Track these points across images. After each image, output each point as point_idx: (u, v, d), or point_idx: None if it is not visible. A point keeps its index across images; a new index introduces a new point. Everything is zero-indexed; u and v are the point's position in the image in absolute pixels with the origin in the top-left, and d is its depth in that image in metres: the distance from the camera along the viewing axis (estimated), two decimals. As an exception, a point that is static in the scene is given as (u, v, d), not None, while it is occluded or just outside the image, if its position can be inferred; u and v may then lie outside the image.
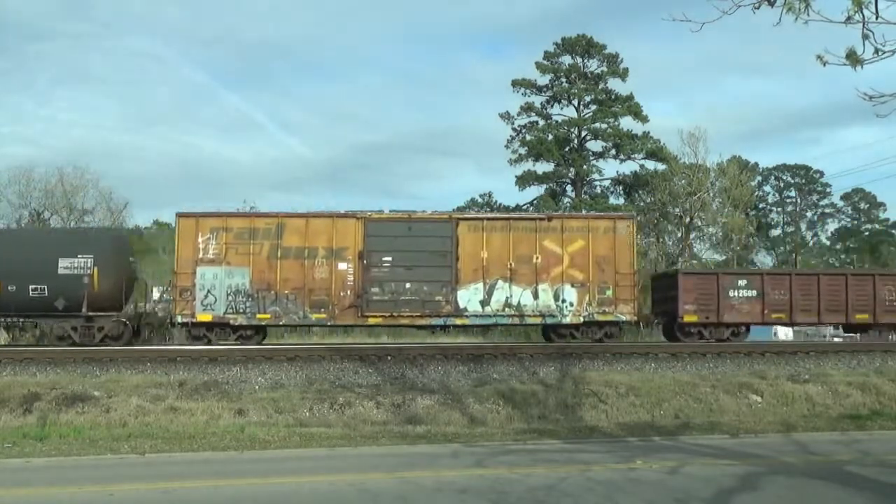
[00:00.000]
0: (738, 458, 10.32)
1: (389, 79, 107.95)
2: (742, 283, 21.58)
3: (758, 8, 5.78)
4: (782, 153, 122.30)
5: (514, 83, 48.97)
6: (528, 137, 48.63)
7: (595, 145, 49.26)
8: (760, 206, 70.01)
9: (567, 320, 20.80)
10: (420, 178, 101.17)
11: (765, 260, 68.82)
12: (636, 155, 48.09)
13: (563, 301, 20.81)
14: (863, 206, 76.99)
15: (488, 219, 21.51)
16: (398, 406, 14.88)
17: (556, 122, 49.37)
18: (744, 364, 18.05)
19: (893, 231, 73.26)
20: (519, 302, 20.74)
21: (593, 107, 48.63)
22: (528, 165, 48.65)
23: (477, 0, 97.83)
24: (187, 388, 15.47)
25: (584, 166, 48.27)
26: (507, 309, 20.75)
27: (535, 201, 49.14)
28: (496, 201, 51.23)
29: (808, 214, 77.60)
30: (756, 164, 67.05)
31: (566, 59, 48.84)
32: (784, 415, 15.05)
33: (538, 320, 21.15)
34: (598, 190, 50.09)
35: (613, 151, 48.46)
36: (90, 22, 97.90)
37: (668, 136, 71.03)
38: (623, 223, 21.51)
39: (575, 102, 49.03)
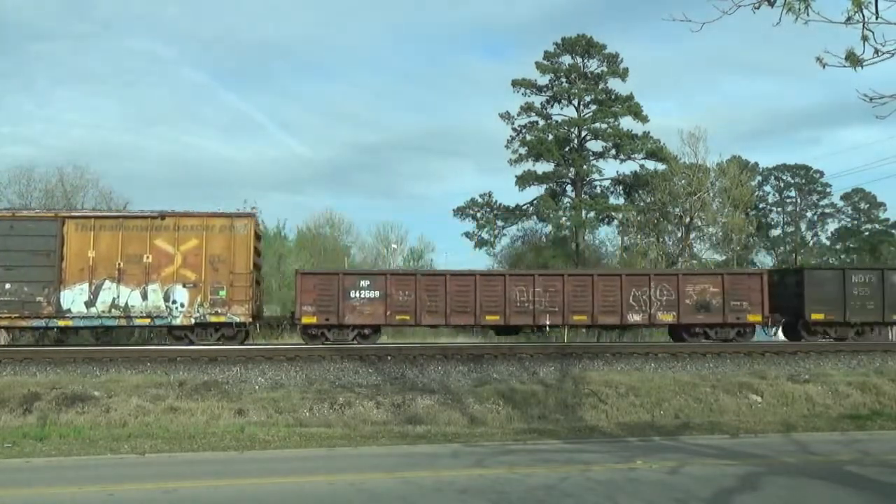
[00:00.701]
0: (738, 458, 10.33)
1: (389, 79, 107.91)
2: (365, 283, 21.16)
3: (758, 8, 5.79)
4: (782, 153, 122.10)
5: (514, 83, 48.90)
6: (528, 137, 48.54)
7: (595, 145, 49.20)
8: (760, 206, 69.93)
9: (177, 322, 20.29)
10: (420, 178, 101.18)
11: (765, 260, 68.80)
12: (636, 155, 48.00)
13: (174, 302, 20.27)
14: (863, 206, 76.86)
15: (97, 217, 20.91)
16: (398, 406, 14.90)
17: (556, 122, 49.30)
18: (744, 364, 18.09)
19: (893, 231, 73.17)
20: (127, 303, 20.15)
21: (593, 107, 48.54)
22: (528, 165, 48.56)
23: (477, 0, 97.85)
24: (187, 388, 15.50)
25: (584, 166, 48.19)
26: (113, 310, 20.15)
27: (534, 201, 49.12)
28: (496, 201, 51.05)
29: (808, 214, 77.45)
30: (756, 164, 67.04)
31: (566, 59, 48.77)
32: (784, 415, 15.07)
33: (146, 321, 20.57)
34: (598, 190, 50.05)
35: (613, 151, 48.35)
36: (90, 22, 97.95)
37: (668, 136, 70.86)
38: (241, 221, 20.83)
39: (575, 102, 48.94)
